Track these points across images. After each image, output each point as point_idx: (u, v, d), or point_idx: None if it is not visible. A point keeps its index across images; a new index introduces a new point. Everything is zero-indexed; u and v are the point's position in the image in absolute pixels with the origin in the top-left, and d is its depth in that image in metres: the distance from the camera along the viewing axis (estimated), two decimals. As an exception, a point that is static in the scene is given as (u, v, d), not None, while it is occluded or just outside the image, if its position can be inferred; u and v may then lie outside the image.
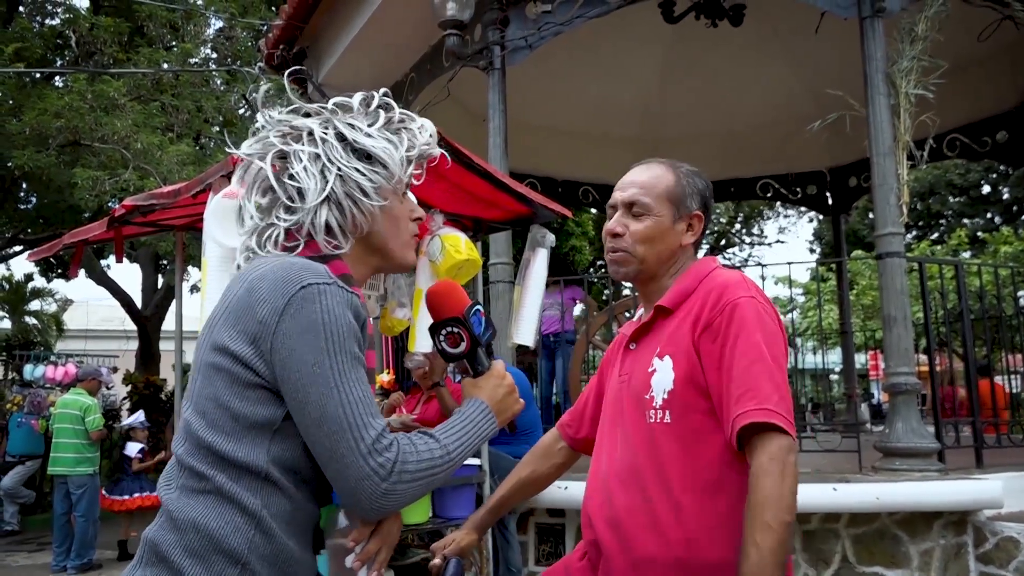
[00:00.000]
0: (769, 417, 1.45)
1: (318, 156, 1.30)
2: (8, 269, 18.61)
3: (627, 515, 1.60)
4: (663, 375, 1.61)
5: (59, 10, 12.19)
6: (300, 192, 1.29)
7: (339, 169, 1.30)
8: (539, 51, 5.33)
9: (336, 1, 6.30)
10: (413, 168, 1.39)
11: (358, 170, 1.31)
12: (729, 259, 24.78)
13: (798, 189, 9.29)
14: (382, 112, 1.37)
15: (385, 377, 6.27)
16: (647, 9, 6.19)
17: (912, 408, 4.41)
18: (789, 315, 21.74)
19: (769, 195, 9.51)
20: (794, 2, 4.87)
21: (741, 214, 24.48)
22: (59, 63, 11.25)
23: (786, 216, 25.26)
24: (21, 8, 12.44)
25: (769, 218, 25.56)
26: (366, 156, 1.32)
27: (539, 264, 3.72)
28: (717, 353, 1.55)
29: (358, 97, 1.39)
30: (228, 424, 1.20)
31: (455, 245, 3.35)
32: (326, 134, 1.32)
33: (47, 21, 12.44)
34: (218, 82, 11.91)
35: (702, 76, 7.97)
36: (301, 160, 1.30)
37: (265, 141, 1.34)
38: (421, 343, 3.55)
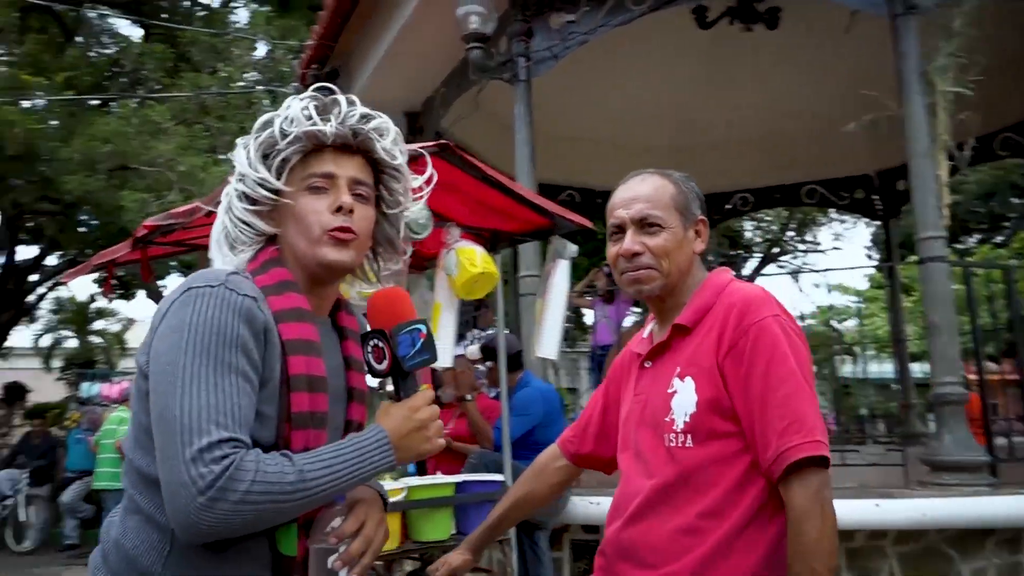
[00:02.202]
0: (817, 449, 1.42)
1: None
2: (69, 291, 19.18)
3: (641, 539, 1.56)
4: (685, 397, 1.55)
5: (112, 40, 12.60)
6: None
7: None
8: (574, 61, 5.28)
9: (365, 19, 6.35)
10: (288, 154, 1.29)
11: (232, 184, 1.33)
12: (783, 267, 24.30)
13: (845, 194, 9.04)
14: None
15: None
16: (681, 16, 6.11)
17: (960, 419, 4.20)
18: (846, 323, 21.20)
19: (815, 200, 9.27)
20: (828, 2, 4.74)
21: (794, 221, 23.96)
22: (111, 91, 11.62)
23: (842, 222, 24.64)
24: (79, 38, 12.90)
25: (824, 224, 24.96)
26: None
27: (560, 276, 3.66)
28: (745, 376, 1.49)
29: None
30: (143, 438, 1.19)
31: (470, 258, 3.31)
32: None
33: (102, 51, 12.87)
34: (266, 103, 12.15)
35: (740, 81, 7.81)
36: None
37: None
38: (440, 358, 3.51)
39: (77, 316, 19.89)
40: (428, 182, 1.49)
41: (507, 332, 4.37)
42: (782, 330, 1.50)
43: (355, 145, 1.34)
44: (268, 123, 1.31)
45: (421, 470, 2.37)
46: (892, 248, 9.23)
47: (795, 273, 16.96)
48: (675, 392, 1.56)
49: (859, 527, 4.00)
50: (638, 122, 8.31)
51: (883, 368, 10.64)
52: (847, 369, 13.92)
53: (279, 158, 1.29)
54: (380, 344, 1.31)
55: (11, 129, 8.71)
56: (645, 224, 1.63)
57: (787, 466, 1.42)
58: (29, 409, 14.50)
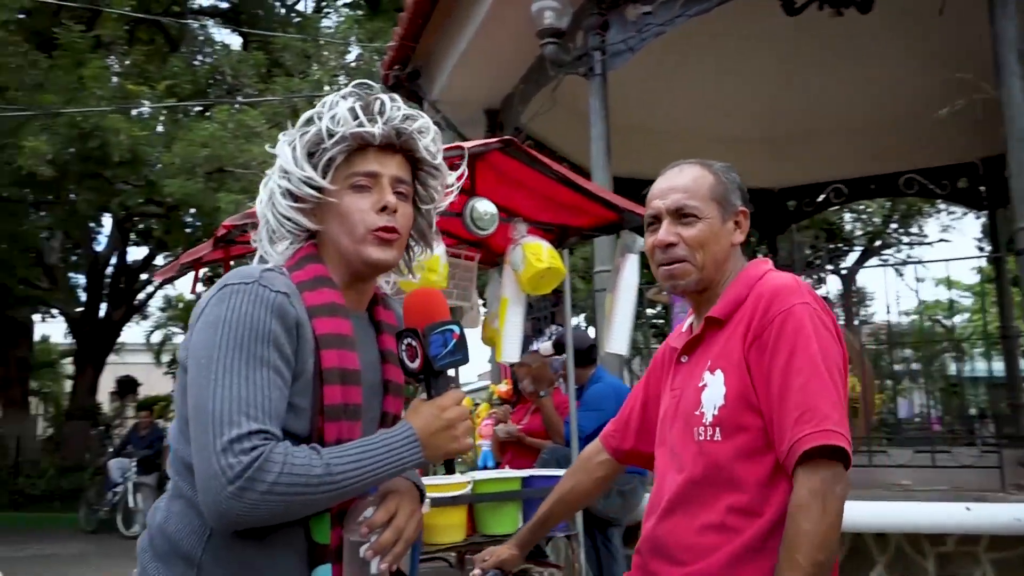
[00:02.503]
0: (829, 439, 1.37)
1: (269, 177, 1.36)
2: (176, 289, 20.17)
3: (671, 536, 1.54)
4: (714, 390, 1.52)
5: (211, 48, 13.17)
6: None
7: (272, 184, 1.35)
8: (657, 52, 5.18)
9: (445, 19, 6.42)
10: (333, 153, 1.31)
11: (275, 180, 1.34)
12: (885, 260, 23.26)
13: (946, 183, 8.60)
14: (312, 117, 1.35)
15: (503, 387, 6.30)
16: (766, 2, 5.93)
17: (1062, 420, 3.96)
18: (953, 319, 20.12)
19: (914, 191, 8.85)
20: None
21: (898, 213, 22.91)
22: (210, 98, 12.17)
23: (950, 212, 23.42)
24: (183, 49, 13.53)
25: (930, 215, 23.77)
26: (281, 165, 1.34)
27: (629, 270, 3.62)
28: (767, 367, 1.46)
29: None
30: (186, 429, 1.23)
31: (536, 254, 3.32)
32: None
33: (204, 60, 13.48)
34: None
35: (831, 68, 7.53)
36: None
37: None
38: (508, 353, 3.53)
39: (185, 313, 20.91)
40: (459, 178, 1.51)
41: (578, 327, 4.35)
42: (809, 319, 1.46)
43: (398, 144, 1.36)
44: (311, 120, 1.33)
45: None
46: (999, 240, 8.74)
47: (900, 265, 16.20)
48: (705, 386, 1.54)
49: (949, 531, 3.82)
50: (725, 113, 8.12)
51: (996, 366, 10.10)
52: (956, 367, 13.24)
53: (325, 157, 1.31)
54: (413, 343, 1.34)
55: (117, 136, 9.24)
56: (681, 215, 1.61)
57: (798, 457, 1.37)
58: (140, 401, 15.36)
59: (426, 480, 2.90)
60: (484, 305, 4.59)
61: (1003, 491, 4.02)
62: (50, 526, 11.56)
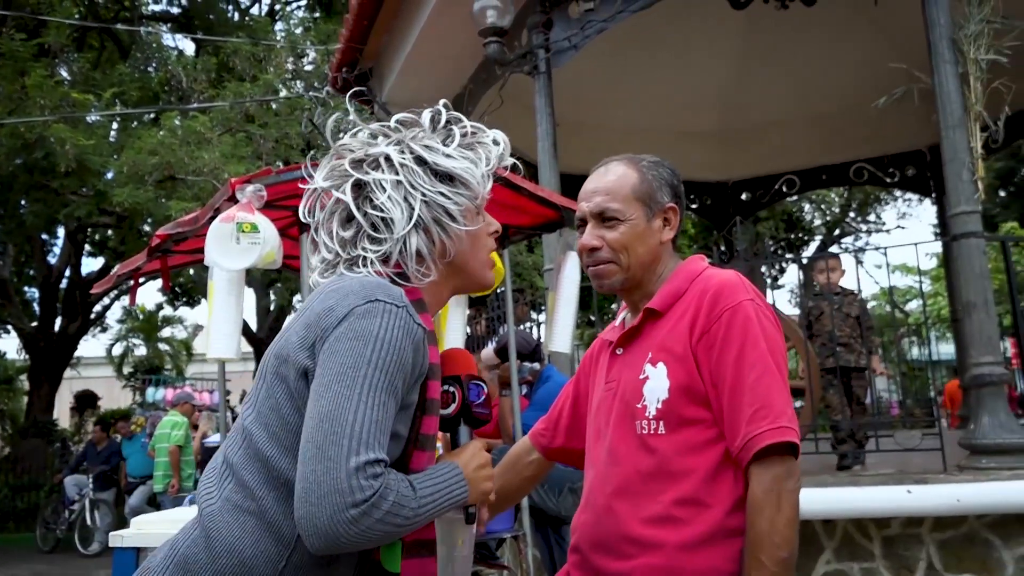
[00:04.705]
0: (784, 435, 1.40)
1: (399, 183, 1.26)
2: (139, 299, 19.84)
3: (613, 530, 1.52)
4: (656, 383, 1.52)
5: (161, 55, 12.98)
6: (385, 221, 1.25)
7: (423, 195, 1.26)
8: (609, 48, 5.16)
9: (391, 20, 6.39)
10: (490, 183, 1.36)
11: (443, 194, 1.27)
12: (845, 248, 23.61)
13: (895, 171, 8.74)
14: (455, 129, 1.32)
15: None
16: (712, -4, 5.96)
17: (1000, 401, 4.03)
18: (911, 303, 20.47)
19: (864, 179, 8.99)
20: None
21: (854, 201, 23.25)
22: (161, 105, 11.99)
23: (906, 200, 23.82)
24: (136, 55, 13.31)
25: (888, 203, 24.17)
26: (448, 178, 1.28)
27: (570, 268, 3.63)
28: (717, 362, 1.47)
29: (426, 115, 1.34)
30: (288, 438, 1.17)
31: (474, 254, 3.30)
32: (404, 158, 1.27)
33: (156, 67, 13.27)
34: (307, 108, 12.34)
35: (781, 60, 7.62)
36: (384, 189, 1.25)
37: (339, 171, 1.30)
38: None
39: (145, 324, 20.62)
40: None
41: (523, 329, 4.33)
42: (755, 315, 1.48)
43: None
44: (478, 144, 1.34)
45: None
46: (947, 225, 8.91)
47: (858, 252, 16.41)
48: (647, 378, 1.54)
49: (893, 514, 3.87)
50: (678, 108, 8.17)
51: (948, 350, 10.34)
52: (916, 352, 13.51)
53: (489, 183, 1.35)
54: (452, 389, 1.35)
55: (63, 146, 9.05)
56: (603, 218, 1.62)
57: (753, 454, 1.40)
58: (100, 416, 15.11)
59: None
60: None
61: (944, 472, 4.09)
62: (7, 547, 11.33)
